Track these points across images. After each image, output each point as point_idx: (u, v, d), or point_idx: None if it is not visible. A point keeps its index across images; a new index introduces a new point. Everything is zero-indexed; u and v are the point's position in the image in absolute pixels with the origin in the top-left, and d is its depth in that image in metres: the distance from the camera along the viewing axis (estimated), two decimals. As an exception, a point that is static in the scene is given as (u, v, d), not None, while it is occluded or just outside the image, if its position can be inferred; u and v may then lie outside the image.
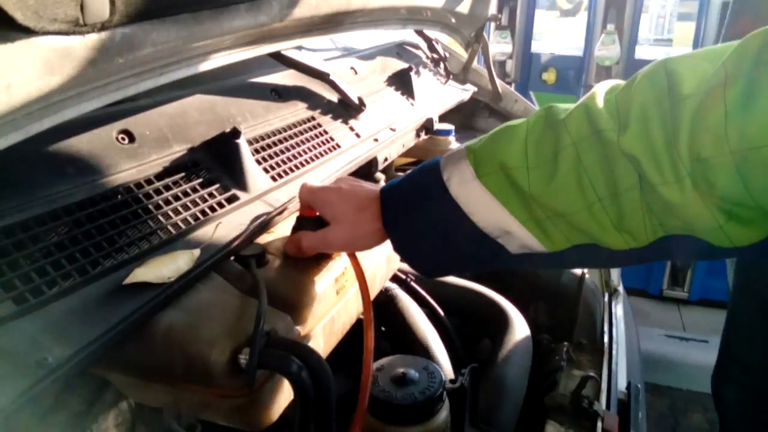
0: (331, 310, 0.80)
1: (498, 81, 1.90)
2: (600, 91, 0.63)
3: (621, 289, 1.59)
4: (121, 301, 0.60)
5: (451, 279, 1.29)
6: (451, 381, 0.81)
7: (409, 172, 0.73)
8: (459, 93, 1.74)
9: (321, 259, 0.81)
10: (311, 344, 0.76)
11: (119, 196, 0.69)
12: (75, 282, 0.60)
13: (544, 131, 0.63)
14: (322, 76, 1.10)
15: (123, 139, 0.75)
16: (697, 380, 2.88)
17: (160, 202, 0.72)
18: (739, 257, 0.60)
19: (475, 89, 1.86)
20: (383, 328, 1.15)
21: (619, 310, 1.49)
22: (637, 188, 0.58)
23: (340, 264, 0.83)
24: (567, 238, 0.63)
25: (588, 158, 0.60)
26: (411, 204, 0.70)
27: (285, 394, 0.71)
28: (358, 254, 0.80)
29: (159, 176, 0.75)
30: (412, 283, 1.20)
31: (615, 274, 1.58)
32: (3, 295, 0.55)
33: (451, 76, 1.80)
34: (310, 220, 0.79)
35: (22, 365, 0.51)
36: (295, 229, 0.80)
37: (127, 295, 0.61)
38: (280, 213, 0.83)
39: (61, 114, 0.57)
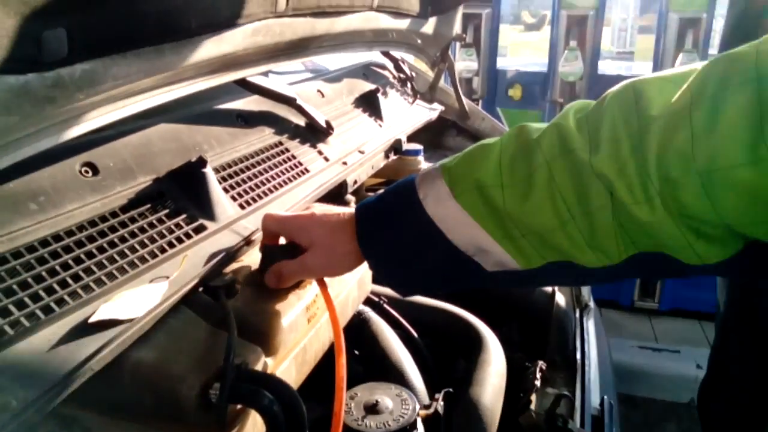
0: (302, 339, 0.80)
1: (465, 99, 1.92)
2: (571, 110, 0.65)
3: (592, 303, 1.61)
4: (88, 340, 0.59)
5: (425, 300, 1.29)
6: (425, 406, 0.81)
7: (383, 191, 0.73)
8: (427, 112, 1.76)
9: (291, 287, 0.81)
10: (283, 375, 0.75)
11: (84, 231, 0.68)
12: (39, 321, 0.58)
13: (517, 150, 0.64)
14: (288, 101, 1.10)
15: (86, 171, 0.74)
16: (670, 390, 2.92)
17: (126, 235, 0.71)
18: (710, 275, 0.62)
19: (443, 108, 1.87)
20: (356, 352, 1.14)
21: (590, 325, 1.51)
22: (608, 207, 0.59)
23: (310, 292, 0.82)
24: (541, 256, 0.64)
25: (561, 177, 0.61)
26: (386, 223, 0.70)
27: (258, 428, 0.70)
28: (328, 280, 0.79)
29: (124, 208, 0.74)
30: (385, 306, 1.20)
31: (585, 289, 1.60)
32: (-38, 339, 0.54)
33: (418, 96, 1.81)
34: (282, 248, 0.78)
35: (-16, 411, 0.50)
36: (266, 259, 0.79)
37: (93, 332, 0.60)
38: (249, 242, 0.83)
39: (19, 152, 0.57)
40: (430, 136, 1.96)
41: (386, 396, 0.78)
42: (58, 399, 0.55)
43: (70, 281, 0.63)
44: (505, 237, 0.64)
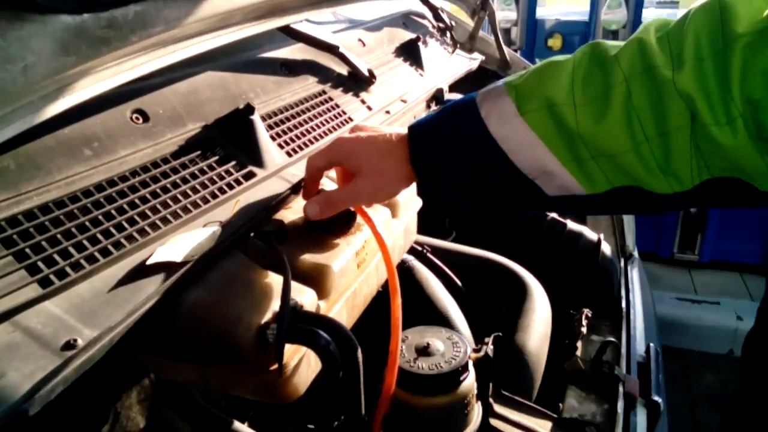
0: (352, 283, 0.80)
1: (505, 48, 1.87)
2: (652, 27, 0.61)
3: (635, 253, 1.59)
4: (146, 281, 0.60)
5: (467, 248, 1.29)
6: (475, 349, 0.81)
7: (438, 109, 0.71)
8: (467, 62, 1.72)
9: (340, 232, 0.81)
10: (335, 317, 0.76)
11: (137, 176, 0.69)
12: (99, 264, 0.59)
13: (592, 67, 0.61)
14: (331, 49, 1.09)
15: (137, 118, 0.74)
16: (709, 342, 2.90)
17: (178, 181, 0.72)
18: None
19: (483, 58, 1.83)
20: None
21: (635, 274, 1.49)
22: (687, 128, 0.57)
23: (359, 238, 0.82)
24: (608, 180, 0.62)
25: (639, 95, 0.58)
26: (443, 143, 0.68)
27: (312, 368, 0.71)
28: (377, 224, 0.79)
29: (175, 155, 0.74)
30: (429, 254, 1.20)
31: (630, 239, 1.57)
32: (28, 279, 0.55)
33: (458, 45, 1.78)
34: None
35: (52, 347, 0.51)
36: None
37: (151, 274, 0.61)
38: (297, 189, 0.83)
39: (76, 94, 0.57)
40: (470, 86, 1.92)
41: (437, 339, 0.78)
42: (120, 339, 0.56)
43: (126, 225, 0.64)
44: (573, 159, 0.62)
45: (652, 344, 1.25)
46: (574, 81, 0.62)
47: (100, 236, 0.62)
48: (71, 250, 0.59)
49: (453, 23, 1.83)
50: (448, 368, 0.73)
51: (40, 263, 0.56)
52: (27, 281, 0.55)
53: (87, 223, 0.62)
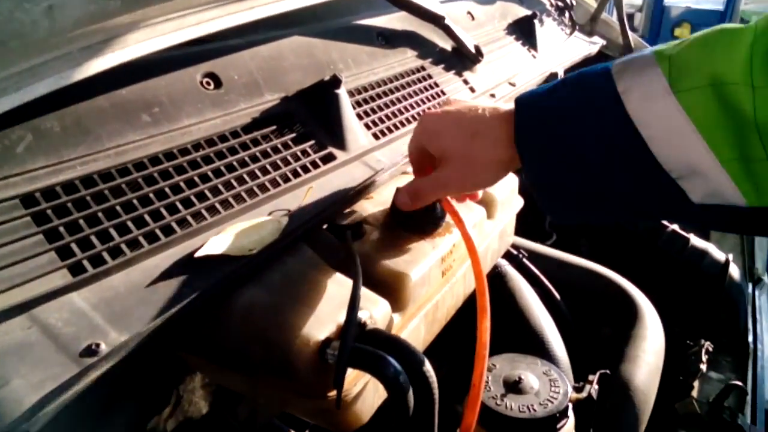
0: (435, 294, 0.68)
1: (631, 34, 1.68)
2: None
3: (766, 278, 1.38)
4: (193, 277, 0.51)
5: (569, 257, 1.14)
6: (575, 388, 0.68)
7: (557, 80, 0.56)
8: (586, 46, 1.54)
9: (427, 232, 0.69)
10: (411, 335, 0.65)
11: (200, 150, 0.60)
12: (142, 251, 0.51)
13: None
14: (436, 20, 0.96)
15: (208, 83, 0.65)
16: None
17: (247, 159, 0.62)
18: None
19: (604, 42, 1.65)
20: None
21: (764, 303, 1.29)
22: None
23: (447, 240, 0.70)
24: None
25: None
26: (561, 119, 0.54)
27: (379, 394, 0.61)
28: (469, 228, 0.67)
29: (247, 128, 0.65)
30: (525, 260, 1.06)
31: (761, 260, 1.37)
32: (57, 263, 0.47)
33: (577, 27, 1.60)
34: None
35: (70, 352, 0.43)
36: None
37: (199, 269, 0.52)
38: (383, 176, 0.71)
39: (126, 50, 0.47)
40: (586, 73, 1.75)
41: (531, 372, 0.65)
42: (154, 343, 0.47)
43: (179, 206, 0.55)
44: (738, 158, 0.47)
45: (783, 391, 1.06)
46: (754, 55, 0.46)
47: (147, 218, 0.53)
48: (112, 232, 0.51)
49: (573, 2, 1.65)
50: (543, 413, 0.60)
51: (73, 246, 0.48)
52: (56, 266, 0.47)
53: (135, 201, 0.53)
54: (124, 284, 0.48)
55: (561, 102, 0.54)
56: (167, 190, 0.55)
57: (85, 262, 0.48)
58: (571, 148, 0.53)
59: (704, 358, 0.98)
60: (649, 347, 0.96)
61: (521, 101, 0.57)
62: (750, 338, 1.12)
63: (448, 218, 0.69)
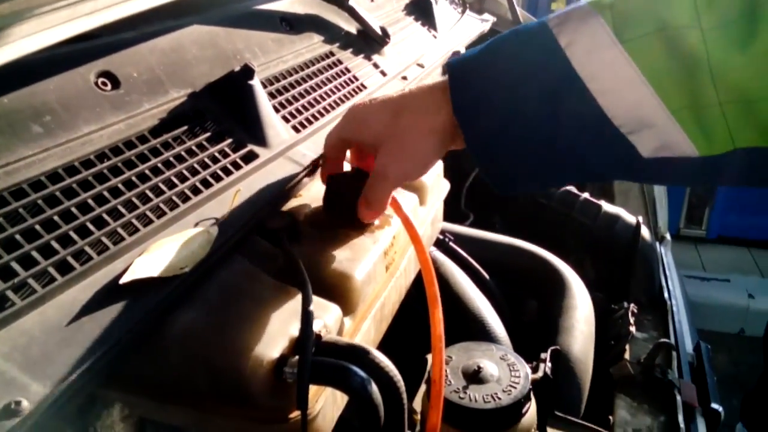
0: (382, 291, 0.64)
1: (519, 9, 1.70)
2: None
3: (668, 236, 1.44)
4: (120, 307, 0.44)
5: (491, 235, 1.14)
6: (531, 368, 0.66)
7: (488, 42, 0.52)
8: (479, 24, 1.55)
9: (362, 227, 0.65)
10: (363, 338, 0.61)
11: (105, 160, 0.52)
12: (55, 284, 0.43)
13: None
14: (340, 2, 0.91)
15: (104, 84, 0.57)
16: (720, 321, 2.79)
17: (160, 166, 0.55)
18: None
19: (494, 19, 1.66)
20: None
21: (670, 259, 1.35)
22: None
23: (386, 233, 0.66)
24: (731, 138, 0.45)
25: None
26: (500, 78, 0.50)
27: (337, 404, 0.56)
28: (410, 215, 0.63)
29: (154, 131, 0.57)
30: (452, 244, 1.04)
31: (662, 218, 1.43)
32: (-49, 312, 0.39)
33: (467, 5, 1.60)
34: (349, 174, 0.62)
35: (-15, 415, 0.35)
36: (331, 191, 0.62)
37: (127, 296, 0.45)
38: (310, 171, 0.66)
39: (10, 47, 0.39)
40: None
41: (488, 359, 0.63)
42: (85, 390, 0.40)
43: (91, 228, 0.48)
44: (688, 106, 0.45)
45: (700, 341, 1.11)
46: None
47: (56, 245, 0.45)
48: (15, 266, 0.42)
49: (461, -19, 1.65)
50: (509, 400, 0.58)
51: (-33, 288, 0.40)
52: (-51, 316, 0.38)
53: (37, 228, 0.45)
54: (38, 326, 0.41)
55: (499, 60, 0.51)
56: (74, 210, 0.48)
57: (-13, 306, 0.40)
58: (513, 107, 0.50)
59: (632, 320, 1.00)
60: (580, 316, 0.98)
61: (453, 63, 0.53)
62: (666, 295, 1.16)
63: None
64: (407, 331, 0.81)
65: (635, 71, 0.46)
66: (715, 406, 0.95)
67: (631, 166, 0.50)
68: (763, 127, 0.44)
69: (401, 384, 0.50)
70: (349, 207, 0.61)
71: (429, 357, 0.88)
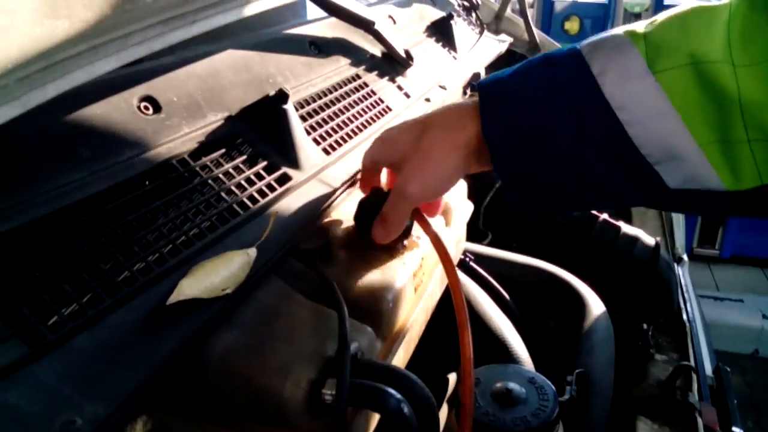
0: (411, 313, 0.65)
1: (536, 30, 1.72)
2: None
3: (685, 256, 1.44)
4: (168, 327, 0.45)
5: (513, 256, 1.14)
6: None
7: (521, 64, 0.53)
8: (496, 44, 1.57)
9: (393, 247, 0.66)
10: (393, 360, 0.61)
11: (148, 183, 0.54)
12: (104, 306, 0.44)
13: (760, 17, 0.45)
14: (366, 26, 0.93)
15: (146, 108, 0.58)
16: (734, 341, 2.77)
17: (200, 188, 0.57)
18: None
19: (511, 40, 1.68)
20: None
21: (688, 280, 1.35)
22: None
23: (415, 254, 0.67)
24: (759, 174, 0.46)
25: None
26: (531, 102, 0.51)
27: (369, 427, 0.57)
28: (427, 242, 0.64)
29: (194, 155, 0.59)
30: (472, 264, 1.05)
31: (680, 239, 1.43)
32: (7, 332, 0.40)
33: (484, 26, 1.62)
34: (378, 194, 0.63)
35: (42, 434, 0.36)
36: (361, 213, 0.63)
37: (173, 317, 0.46)
38: (342, 192, 0.68)
39: (69, 77, 0.41)
40: (495, 72, 1.78)
41: (516, 382, 0.63)
42: (135, 409, 0.41)
43: (137, 250, 0.49)
44: (718, 140, 0.46)
45: (720, 364, 1.11)
46: (731, 32, 0.45)
47: (104, 267, 0.46)
48: (66, 288, 0.44)
49: (479, 1, 1.68)
50: (537, 422, 0.59)
51: (24, 309, 0.41)
52: (5, 336, 0.40)
53: (85, 249, 0.46)
54: (90, 346, 0.42)
55: (529, 83, 0.52)
56: (120, 232, 0.49)
57: (42, 328, 0.41)
58: (542, 132, 0.51)
59: (652, 342, 1.01)
60: (601, 337, 0.98)
61: (484, 85, 0.54)
62: (684, 317, 1.16)
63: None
64: (427, 350, 0.82)
65: (666, 103, 0.47)
66: (736, 429, 0.95)
67: (656, 196, 0.51)
68: None
69: (435, 406, 0.51)
70: None
71: (451, 376, 0.89)
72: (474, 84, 1.25)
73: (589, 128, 0.49)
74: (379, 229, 0.59)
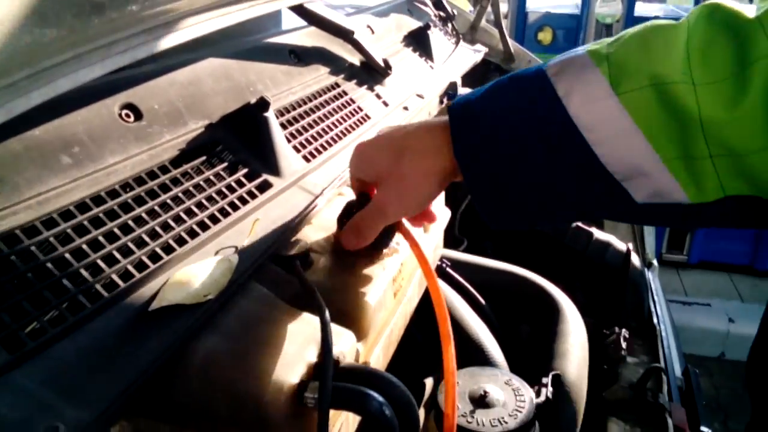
0: (391, 318, 0.66)
1: (510, 40, 1.75)
2: None
3: (655, 261, 1.48)
4: (150, 333, 0.46)
5: (487, 261, 1.16)
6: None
7: (488, 86, 0.54)
8: (471, 54, 1.59)
9: (372, 253, 0.67)
10: (373, 364, 0.62)
11: (129, 190, 0.54)
12: (86, 312, 0.44)
13: (717, 35, 0.46)
14: (345, 35, 0.94)
15: (127, 116, 0.59)
16: (701, 345, 2.83)
17: (181, 195, 0.57)
18: None
19: (486, 50, 1.70)
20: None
21: (658, 286, 1.38)
22: None
23: (395, 260, 0.68)
24: (721, 187, 0.48)
25: None
26: (499, 124, 0.52)
27: (350, 429, 0.58)
28: (406, 248, 0.65)
29: (175, 162, 0.59)
30: (449, 269, 1.06)
31: (649, 245, 1.47)
32: (-11, 339, 0.40)
33: (460, 36, 1.64)
34: (359, 201, 0.63)
35: (25, 441, 0.36)
36: (343, 218, 0.64)
37: (155, 323, 0.46)
38: (323, 199, 0.68)
39: (53, 84, 0.41)
40: (471, 81, 1.80)
41: (493, 384, 0.65)
42: (117, 415, 0.41)
43: (118, 256, 0.49)
44: (680, 157, 0.48)
45: (689, 366, 1.14)
46: (691, 51, 0.47)
47: (85, 273, 0.47)
48: (47, 294, 0.44)
49: (455, 12, 1.70)
50: (515, 424, 0.60)
51: (4, 316, 0.41)
52: (-13, 343, 0.40)
53: (67, 256, 0.47)
54: (71, 352, 0.42)
55: (498, 106, 0.53)
56: (101, 239, 0.49)
57: (22, 335, 0.41)
58: (511, 153, 0.52)
59: (624, 345, 1.03)
60: (575, 341, 1.00)
61: (454, 108, 0.55)
62: (655, 320, 1.19)
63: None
64: (404, 354, 0.83)
65: (630, 122, 0.48)
66: (704, 429, 0.98)
67: (625, 210, 0.52)
68: (751, 178, 0.47)
69: (416, 408, 0.52)
70: None
71: (427, 381, 0.90)
72: (450, 93, 1.27)
73: (557, 149, 0.51)
74: (350, 236, 0.60)
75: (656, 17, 3.89)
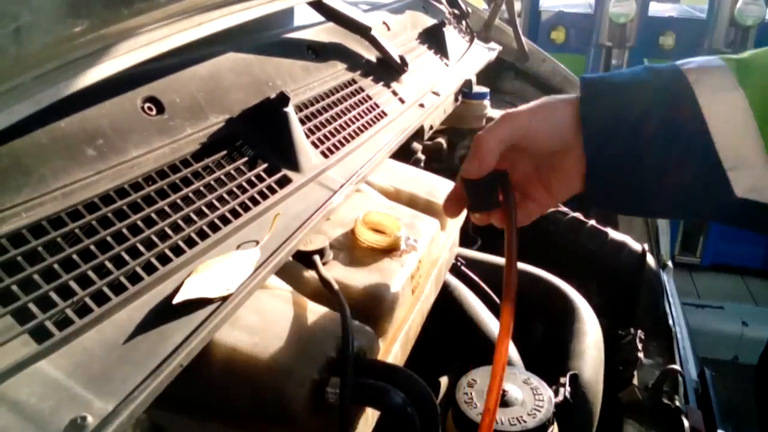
0: (409, 315, 0.66)
1: (524, 39, 1.74)
2: None
3: (670, 263, 1.47)
4: (173, 325, 0.46)
5: (499, 260, 1.16)
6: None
7: (623, 70, 0.57)
8: (486, 52, 1.58)
9: (391, 251, 0.67)
10: (392, 360, 0.62)
11: (152, 183, 0.54)
12: (111, 304, 0.45)
13: None
14: (362, 31, 0.94)
15: (150, 109, 0.59)
16: (714, 348, 2.81)
17: (202, 189, 0.57)
18: None
19: (500, 48, 1.70)
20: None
21: (673, 287, 1.37)
22: None
23: (413, 257, 0.68)
24: None
25: None
26: (630, 93, 0.55)
27: (369, 423, 0.58)
28: (424, 245, 0.64)
29: (196, 156, 0.59)
30: (464, 268, 1.06)
31: (664, 245, 1.46)
32: (17, 329, 0.40)
33: (474, 34, 1.64)
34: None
35: (53, 429, 0.37)
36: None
37: (178, 316, 0.46)
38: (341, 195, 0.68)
39: (82, 76, 0.41)
40: (484, 79, 1.79)
41: (512, 383, 0.64)
42: (143, 406, 0.41)
43: (142, 249, 0.49)
44: None
45: (705, 368, 1.13)
46: None
47: (110, 266, 0.47)
48: (73, 286, 0.44)
49: (469, 10, 1.69)
50: (534, 423, 0.60)
51: (32, 306, 0.41)
52: (15, 333, 0.40)
53: (92, 248, 0.47)
54: (98, 344, 0.42)
55: (632, 79, 0.56)
56: (125, 231, 0.49)
57: (49, 324, 0.41)
58: (633, 124, 0.54)
59: (639, 346, 1.02)
60: (590, 341, 0.99)
61: (587, 77, 0.57)
62: (670, 321, 1.18)
63: (402, 233, 0.67)
64: (419, 351, 0.83)
65: (749, 114, 0.51)
66: (721, 432, 0.97)
67: (721, 203, 0.53)
68: None
69: (436, 406, 0.52)
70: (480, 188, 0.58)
71: (442, 380, 0.90)
72: (465, 91, 1.27)
73: (676, 123, 0.53)
74: (470, 162, 0.56)
75: (670, 18, 3.89)
